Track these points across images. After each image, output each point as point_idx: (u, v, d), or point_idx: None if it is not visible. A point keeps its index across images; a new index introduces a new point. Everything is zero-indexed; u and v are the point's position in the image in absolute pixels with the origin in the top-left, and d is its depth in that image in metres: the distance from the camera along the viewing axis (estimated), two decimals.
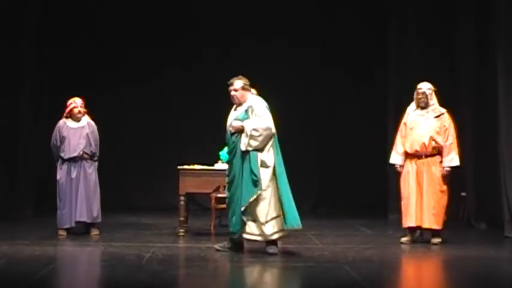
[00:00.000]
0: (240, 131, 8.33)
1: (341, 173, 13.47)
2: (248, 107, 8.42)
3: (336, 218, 12.20)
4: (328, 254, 8.50)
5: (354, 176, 13.39)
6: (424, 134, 9.29)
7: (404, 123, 9.51)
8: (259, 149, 8.31)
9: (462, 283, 7.32)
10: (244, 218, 8.25)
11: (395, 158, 9.54)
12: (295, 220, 8.36)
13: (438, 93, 9.45)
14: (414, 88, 9.56)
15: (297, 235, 9.79)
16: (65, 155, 9.77)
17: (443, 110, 9.40)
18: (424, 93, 9.38)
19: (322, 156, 13.69)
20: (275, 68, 13.43)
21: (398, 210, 9.87)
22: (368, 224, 11.44)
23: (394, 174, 10.07)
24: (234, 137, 8.39)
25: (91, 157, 9.89)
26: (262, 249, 8.42)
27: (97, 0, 13.25)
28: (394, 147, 9.59)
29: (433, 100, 9.39)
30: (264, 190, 8.26)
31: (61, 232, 9.71)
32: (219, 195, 9.87)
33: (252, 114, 8.37)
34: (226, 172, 8.61)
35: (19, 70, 12.18)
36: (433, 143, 9.26)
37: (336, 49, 13.64)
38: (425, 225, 9.27)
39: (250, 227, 8.29)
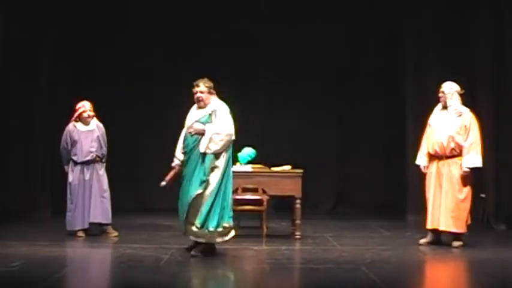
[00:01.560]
0: (200, 133, 8.38)
1: (359, 173, 13.43)
2: (212, 111, 8.44)
3: (354, 219, 12.17)
4: (346, 256, 8.48)
5: (372, 176, 13.36)
6: (443, 134, 9.22)
7: (429, 124, 9.45)
8: (217, 153, 8.34)
9: (481, 285, 7.28)
10: (184, 219, 8.33)
11: (420, 159, 9.49)
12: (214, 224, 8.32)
13: (463, 95, 9.35)
14: (433, 87, 9.50)
15: (315, 236, 9.91)
16: (78, 158, 9.85)
17: (466, 110, 9.28)
18: (443, 92, 9.32)
19: (340, 157, 13.67)
20: (292, 66, 13.45)
21: (417, 211, 9.84)
22: (386, 225, 11.38)
23: (413, 175, 10.06)
24: (193, 139, 8.40)
25: (101, 159, 9.99)
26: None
27: (109, 5, 13.26)
28: (420, 149, 9.53)
29: (454, 100, 9.29)
30: (207, 192, 8.27)
31: (80, 233, 9.75)
32: (238, 196, 9.87)
33: (215, 118, 8.41)
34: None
35: (35, 72, 12.24)
36: (452, 144, 9.17)
37: (352, 47, 13.60)
38: (442, 228, 9.18)
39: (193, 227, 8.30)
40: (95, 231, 9.90)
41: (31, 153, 12.27)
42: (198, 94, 8.47)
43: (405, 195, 12.45)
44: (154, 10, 13.36)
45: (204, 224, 8.25)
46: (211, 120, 8.42)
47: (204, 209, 8.24)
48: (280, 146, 13.17)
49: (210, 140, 8.29)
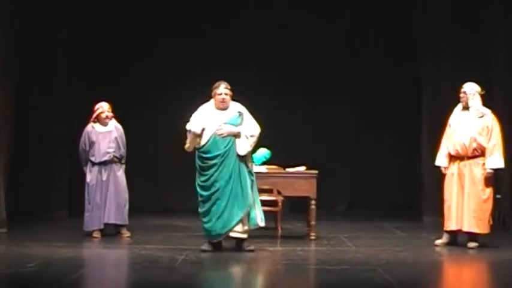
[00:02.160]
0: (233, 135, 8.55)
1: (375, 174, 13.40)
2: (238, 112, 8.66)
3: (370, 220, 12.12)
4: (361, 257, 8.44)
5: (387, 177, 13.32)
6: (465, 135, 9.16)
7: (449, 124, 9.41)
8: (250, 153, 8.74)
9: (499, 286, 7.24)
10: (240, 217, 8.51)
11: (440, 159, 9.43)
12: (256, 221, 8.71)
13: (484, 96, 9.30)
14: (450, 88, 9.45)
15: (330, 237, 9.90)
16: (95, 159, 9.87)
17: (487, 111, 9.23)
18: (465, 92, 9.27)
19: (355, 157, 13.65)
20: (307, 66, 13.47)
21: (433, 212, 9.79)
22: (402, 226, 11.34)
23: (428, 176, 10.02)
24: (226, 141, 8.53)
25: (120, 160, 9.99)
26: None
27: (124, 5, 13.29)
28: (440, 149, 9.48)
29: (475, 101, 9.23)
30: (253, 190, 8.68)
31: (95, 234, 9.77)
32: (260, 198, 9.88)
33: (244, 119, 8.65)
34: (203, 175, 8.60)
35: (51, 73, 12.28)
36: (474, 144, 9.12)
37: (368, 46, 13.57)
38: (465, 229, 9.12)
39: (239, 224, 8.55)
40: (110, 232, 9.92)
41: (48, 154, 12.29)
42: (224, 96, 8.60)
43: (421, 196, 12.40)
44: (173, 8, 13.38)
45: (250, 221, 8.59)
46: (241, 121, 8.57)
47: (252, 207, 8.57)
48: (295, 147, 13.15)
49: (248, 141, 8.57)
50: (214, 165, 8.53)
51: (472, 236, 9.17)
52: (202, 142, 8.60)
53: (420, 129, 12.41)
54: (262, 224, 8.75)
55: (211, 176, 8.54)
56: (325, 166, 10.79)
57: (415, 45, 12.86)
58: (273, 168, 9.95)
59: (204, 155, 8.59)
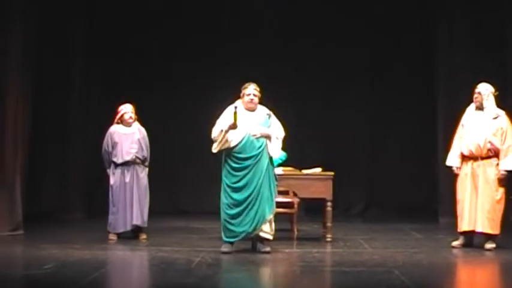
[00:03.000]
0: (266, 136, 8.63)
1: (391, 175, 13.36)
2: (267, 114, 8.75)
3: (386, 222, 12.09)
4: (377, 258, 8.42)
5: (403, 178, 13.25)
6: (479, 136, 9.12)
7: (462, 125, 9.36)
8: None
9: None
10: (269, 217, 8.61)
11: (452, 160, 9.40)
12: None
13: (497, 96, 9.27)
14: (466, 88, 9.41)
15: (346, 239, 9.88)
16: (118, 159, 9.86)
17: (502, 112, 9.19)
18: (479, 93, 9.23)
19: (371, 159, 13.61)
20: (323, 67, 13.50)
21: (449, 214, 9.74)
22: (418, 227, 11.30)
23: (444, 177, 9.98)
24: (260, 142, 8.61)
25: (142, 162, 9.97)
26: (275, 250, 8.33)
27: (142, 6, 13.32)
28: (451, 149, 9.45)
29: (490, 101, 9.19)
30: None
31: (112, 236, 9.78)
32: (276, 199, 9.85)
33: (272, 122, 8.76)
34: (234, 176, 8.61)
35: (69, 74, 12.35)
36: (489, 145, 9.08)
37: (383, 47, 13.55)
38: (479, 229, 9.08)
39: (266, 225, 8.64)
40: (127, 234, 9.91)
41: (65, 155, 12.37)
42: (252, 96, 8.69)
43: (437, 197, 12.37)
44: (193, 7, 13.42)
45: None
46: (270, 123, 8.72)
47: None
48: (311, 149, 13.14)
49: (278, 143, 8.73)
50: (248, 166, 8.56)
51: (489, 237, 9.12)
52: (235, 142, 8.59)
53: (436, 130, 12.34)
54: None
55: (244, 177, 8.57)
56: (341, 168, 10.82)
57: (430, 44, 12.84)
58: (289, 170, 9.93)
59: (238, 155, 8.59)
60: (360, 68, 13.61)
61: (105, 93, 12.82)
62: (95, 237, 9.89)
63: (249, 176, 8.56)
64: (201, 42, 13.39)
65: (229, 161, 8.64)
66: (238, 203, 8.58)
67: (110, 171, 9.94)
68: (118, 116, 9.97)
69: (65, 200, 12.26)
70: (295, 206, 10.07)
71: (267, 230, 8.65)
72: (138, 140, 9.92)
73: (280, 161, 10.00)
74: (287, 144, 9.86)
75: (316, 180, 9.68)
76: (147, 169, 10.03)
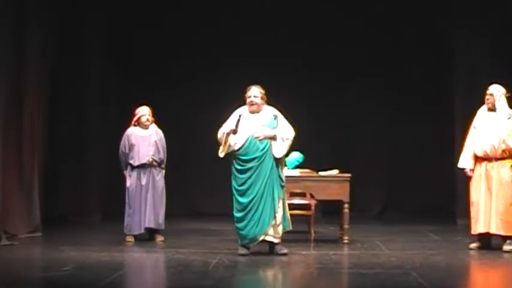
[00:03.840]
0: (270, 138, 8.61)
1: (408, 177, 13.32)
2: (273, 116, 8.72)
3: (403, 223, 12.07)
4: (395, 260, 8.41)
5: (421, 180, 13.22)
6: (493, 137, 9.10)
7: (474, 126, 9.35)
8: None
9: None
10: (273, 221, 8.55)
11: (465, 162, 9.37)
12: (288, 224, 8.81)
13: (509, 99, 9.29)
14: (483, 89, 9.40)
15: (363, 241, 9.89)
16: (134, 162, 9.89)
17: None
18: (491, 94, 9.22)
19: (388, 160, 13.58)
20: (340, 70, 13.48)
21: (466, 215, 9.71)
22: (436, 229, 11.28)
23: (462, 178, 9.93)
24: (263, 144, 8.60)
25: (159, 164, 9.99)
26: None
27: (160, 7, 13.35)
28: (463, 151, 9.43)
29: (502, 102, 9.20)
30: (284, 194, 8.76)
31: (129, 238, 9.83)
32: (293, 201, 9.89)
33: (279, 123, 8.69)
34: (239, 178, 8.62)
35: (85, 79, 12.42)
36: (503, 146, 9.07)
37: (401, 47, 13.52)
38: (493, 231, 9.06)
39: (272, 228, 8.61)
40: (143, 236, 9.95)
41: (82, 158, 12.42)
42: (252, 98, 8.69)
43: (455, 198, 12.34)
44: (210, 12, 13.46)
45: (282, 224, 8.65)
46: (276, 124, 8.65)
47: (285, 211, 8.68)
48: (328, 150, 13.13)
49: (284, 144, 8.64)
50: (251, 168, 8.57)
51: (506, 238, 9.09)
52: (239, 145, 8.62)
53: (453, 131, 12.30)
54: (290, 227, 8.82)
55: (248, 179, 8.58)
56: (358, 169, 10.80)
57: (450, 44, 12.80)
58: (306, 172, 9.94)
59: (242, 157, 8.61)
60: (378, 68, 13.57)
61: (123, 94, 12.86)
62: (112, 239, 9.95)
63: (252, 178, 8.58)
64: (216, 41, 13.41)
65: (235, 164, 8.68)
66: (243, 206, 8.60)
67: (126, 173, 9.98)
68: (135, 119, 10.01)
69: (82, 202, 12.32)
70: (312, 208, 10.08)
71: (272, 234, 8.63)
72: (155, 142, 9.95)
73: (297, 163, 10.02)
74: (303, 146, 9.93)
75: (333, 182, 9.69)
76: (163, 171, 10.06)
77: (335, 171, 9.85)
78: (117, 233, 10.08)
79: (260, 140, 8.60)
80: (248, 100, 8.72)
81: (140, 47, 13.35)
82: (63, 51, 11.87)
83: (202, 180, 13.43)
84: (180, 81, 13.44)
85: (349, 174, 9.67)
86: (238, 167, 8.64)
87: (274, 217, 8.57)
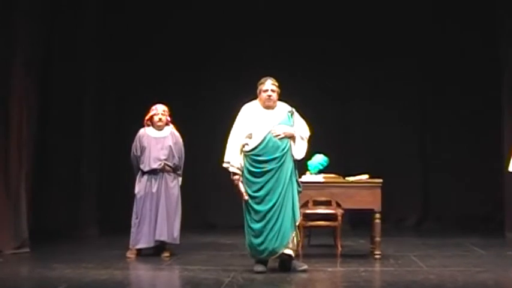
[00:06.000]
0: (289, 136, 8.57)
1: (449, 183, 13.37)
2: (289, 112, 8.68)
3: (443, 236, 12.07)
4: (434, 279, 8.36)
5: (464, 187, 13.29)
6: None
7: None
8: None
9: None
10: (293, 231, 8.52)
11: None
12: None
13: None
14: None
15: (398, 256, 9.85)
16: (145, 167, 9.85)
17: None
18: None
19: (426, 164, 13.63)
20: (372, 67, 13.60)
21: None
22: (481, 242, 11.26)
23: (511, 185, 9.94)
24: (283, 144, 8.54)
25: (174, 170, 9.93)
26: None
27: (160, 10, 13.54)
28: None
29: None
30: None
31: (130, 254, 9.78)
32: (308, 211, 9.84)
33: (296, 119, 8.68)
34: (254, 183, 8.53)
35: (80, 78, 12.52)
36: None
37: (443, 51, 13.60)
38: None
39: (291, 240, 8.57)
40: (147, 251, 9.93)
41: (76, 165, 12.48)
42: (270, 92, 8.63)
43: (503, 208, 12.30)
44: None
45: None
46: (293, 122, 8.62)
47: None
48: (356, 153, 13.21)
49: (303, 143, 8.61)
50: (270, 170, 8.48)
51: None
52: (254, 144, 8.53)
53: (501, 132, 12.29)
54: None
55: (266, 183, 8.49)
56: (391, 174, 10.80)
57: (497, 46, 12.81)
58: (331, 177, 9.95)
59: (258, 158, 8.51)
60: (415, 66, 13.71)
61: (121, 97, 13.02)
62: (112, 255, 9.94)
63: (271, 182, 8.49)
64: (220, 40, 13.59)
65: (248, 166, 8.57)
66: (262, 215, 8.49)
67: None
68: (147, 117, 9.94)
69: (76, 214, 12.37)
70: (339, 218, 10.01)
71: (289, 246, 8.56)
72: (170, 146, 9.87)
73: (320, 167, 9.99)
74: (328, 147, 9.93)
75: (362, 189, 9.67)
76: (179, 178, 10.01)
77: (365, 176, 9.81)
78: (117, 248, 10.11)
79: (281, 138, 8.53)
80: (265, 94, 8.67)
81: (141, 50, 13.53)
82: (55, 56, 12.01)
83: (214, 188, 13.46)
84: (189, 86, 13.67)
85: (380, 180, 9.65)
86: (254, 170, 8.52)
87: (295, 226, 8.54)
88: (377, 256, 9.60)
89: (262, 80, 8.73)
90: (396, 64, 13.61)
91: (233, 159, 8.59)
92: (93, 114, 12.64)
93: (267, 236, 8.47)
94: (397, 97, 13.67)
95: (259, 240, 8.51)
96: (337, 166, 10.28)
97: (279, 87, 8.71)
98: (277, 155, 8.50)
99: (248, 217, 8.59)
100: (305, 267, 8.66)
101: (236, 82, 13.19)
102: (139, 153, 9.88)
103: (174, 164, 9.91)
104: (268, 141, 8.53)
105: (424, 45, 13.64)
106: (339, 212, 10.04)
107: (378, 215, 9.58)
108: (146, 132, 9.93)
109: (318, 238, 8.87)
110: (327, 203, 10.07)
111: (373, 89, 13.66)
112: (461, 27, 13.50)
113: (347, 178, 9.85)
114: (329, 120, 13.04)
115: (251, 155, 8.55)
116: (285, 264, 8.67)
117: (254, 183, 8.53)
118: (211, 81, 13.59)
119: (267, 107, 8.68)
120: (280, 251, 8.52)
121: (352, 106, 13.68)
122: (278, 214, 8.46)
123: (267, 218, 8.47)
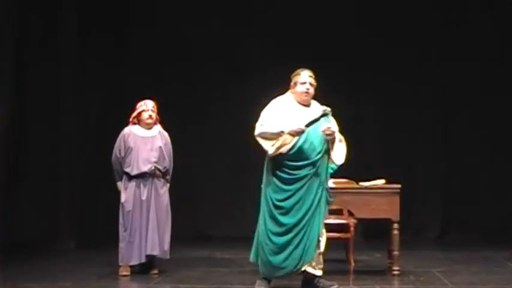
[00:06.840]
0: (332, 138, 8.24)
1: (475, 190, 13.26)
2: (323, 110, 8.28)
3: (470, 249, 11.85)
4: None
5: (492, 194, 13.18)
6: None
7: None
8: None
9: None
10: (317, 248, 8.19)
11: None
12: None
13: None
14: None
15: (420, 272, 9.63)
16: (132, 170, 9.43)
17: None
18: None
19: (449, 168, 13.47)
20: (388, 64, 13.51)
21: None
22: None
23: None
24: (320, 146, 8.12)
25: (163, 175, 9.58)
26: None
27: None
28: None
29: None
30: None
31: (124, 271, 9.38)
32: (326, 221, 9.40)
33: (332, 120, 8.35)
34: (283, 191, 8.06)
35: (58, 81, 12.49)
36: None
37: (471, 46, 13.49)
38: None
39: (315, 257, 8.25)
40: (136, 269, 9.62)
41: (52, 171, 12.40)
42: (308, 85, 8.21)
43: None
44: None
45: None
46: (330, 122, 8.31)
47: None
48: (371, 156, 13.13)
49: (342, 146, 8.29)
50: (304, 177, 8.04)
51: None
52: (289, 146, 8.05)
53: None
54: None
55: (297, 191, 8.03)
56: (409, 180, 10.92)
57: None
58: (343, 182, 9.80)
59: (294, 163, 8.03)
60: (434, 64, 13.65)
61: (104, 94, 12.94)
62: (92, 272, 9.69)
63: (302, 191, 8.04)
64: (225, 38, 13.61)
65: (279, 172, 8.08)
66: (288, 229, 8.06)
67: (121, 184, 9.54)
68: (134, 114, 9.58)
69: (52, 226, 12.23)
70: (352, 229, 9.91)
71: (313, 264, 8.21)
72: (160, 147, 9.52)
73: (331, 171, 9.54)
74: None
75: (378, 196, 9.34)
76: (168, 185, 9.69)
77: (381, 181, 9.51)
78: (98, 265, 10.01)
79: (330, 138, 8.08)
80: (302, 88, 8.19)
81: (130, 47, 13.62)
82: (33, 54, 12.13)
83: (209, 195, 13.46)
84: (186, 84, 13.63)
85: (399, 185, 9.33)
86: (286, 176, 8.05)
87: (319, 242, 8.16)
88: (395, 272, 9.34)
89: (298, 71, 8.32)
90: (414, 60, 13.57)
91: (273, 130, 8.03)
92: (70, 119, 12.54)
93: (291, 253, 8.04)
94: (416, 94, 13.61)
95: (280, 258, 8.06)
96: (349, 170, 9.80)
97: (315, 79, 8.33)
98: (312, 159, 8.05)
99: (267, 229, 8.10)
100: (335, 286, 8.21)
101: (233, 90, 13.35)
102: (123, 155, 9.49)
103: (164, 167, 9.56)
104: (304, 142, 8.01)
105: (445, 45, 13.56)
106: (352, 222, 9.93)
107: (396, 225, 9.27)
108: (132, 131, 9.55)
109: (328, 252, 8.63)
110: (338, 212, 9.94)
111: (388, 87, 13.55)
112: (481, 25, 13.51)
113: (361, 183, 9.56)
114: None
115: (286, 161, 8.03)
116: (309, 284, 8.23)
117: (283, 191, 8.06)
118: (204, 80, 13.55)
119: (303, 103, 8.21)
120: (300, 270, 8.11)
121: (367, 104, 13.60)
122: (307, 228, 8.04)
123: (294, 232, 8.05)
